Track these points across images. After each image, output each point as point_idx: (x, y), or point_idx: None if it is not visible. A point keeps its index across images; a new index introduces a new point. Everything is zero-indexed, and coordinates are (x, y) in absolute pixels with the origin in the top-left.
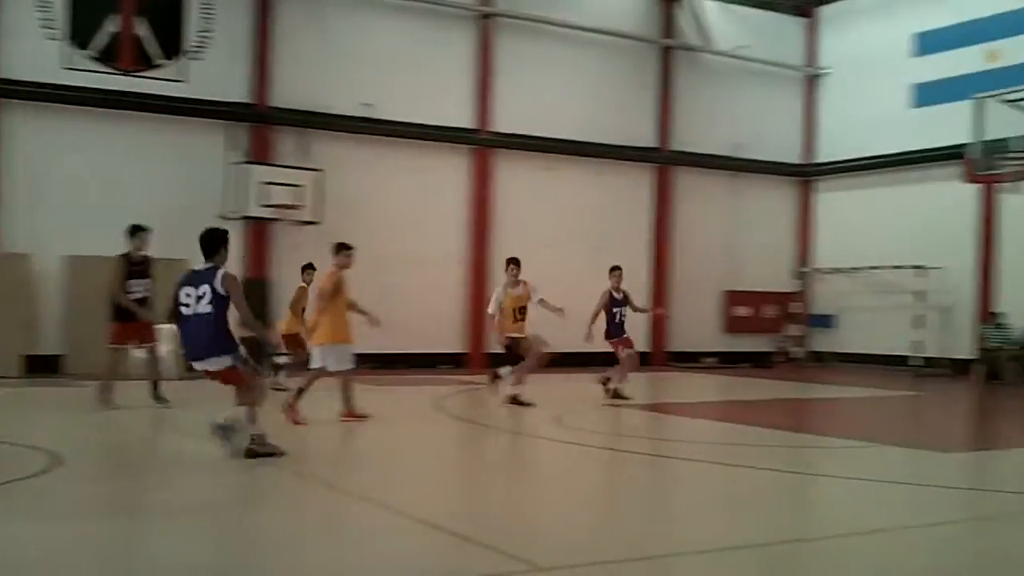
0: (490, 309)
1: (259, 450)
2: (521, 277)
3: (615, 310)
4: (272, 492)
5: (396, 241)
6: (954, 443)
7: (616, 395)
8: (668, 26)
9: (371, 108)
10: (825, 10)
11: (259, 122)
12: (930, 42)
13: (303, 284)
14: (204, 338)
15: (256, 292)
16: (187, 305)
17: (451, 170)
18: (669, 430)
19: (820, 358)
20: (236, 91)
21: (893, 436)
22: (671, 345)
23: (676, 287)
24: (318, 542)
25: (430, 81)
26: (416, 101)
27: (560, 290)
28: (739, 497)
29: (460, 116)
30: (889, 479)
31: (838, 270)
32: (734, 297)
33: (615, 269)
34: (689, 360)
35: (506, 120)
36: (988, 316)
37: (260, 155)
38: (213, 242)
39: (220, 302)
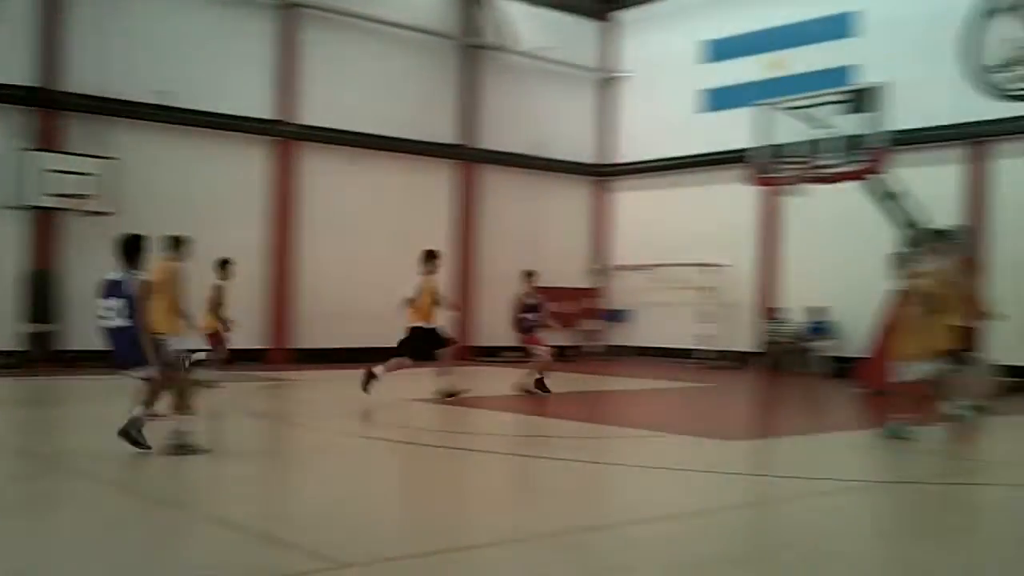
0: (411, 293)
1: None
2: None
3: (525, 314)
4: (65, 495)
5: (196, 233)
6: (738, 432)
7: (536, 388)
8: (471, 24)
9: (170, 96)
10: (622, 15)
11: (48, 107)
12: (719, 50)
13: (219, 282)
14: (125, 349)
15: (40, 285)
16: (106, 318)
17: (254, 161)
18: (470, 423)
19: (616, 351)
20: (22, 75)
21: (683, 426)
22: (474, 340)
23: (481, 282)
24: (112, 545)
25: (233, 71)
26: (218, 90)
27: (366, 284)
28: (537, 487)
29: (263, 107)
30: (679, 467)
31: (633, 267)
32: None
33: (529, 274)
34: (491, 354)
35: (310, 112)
36: (769, 312)
37: (48, 142)
38: (130, 247)
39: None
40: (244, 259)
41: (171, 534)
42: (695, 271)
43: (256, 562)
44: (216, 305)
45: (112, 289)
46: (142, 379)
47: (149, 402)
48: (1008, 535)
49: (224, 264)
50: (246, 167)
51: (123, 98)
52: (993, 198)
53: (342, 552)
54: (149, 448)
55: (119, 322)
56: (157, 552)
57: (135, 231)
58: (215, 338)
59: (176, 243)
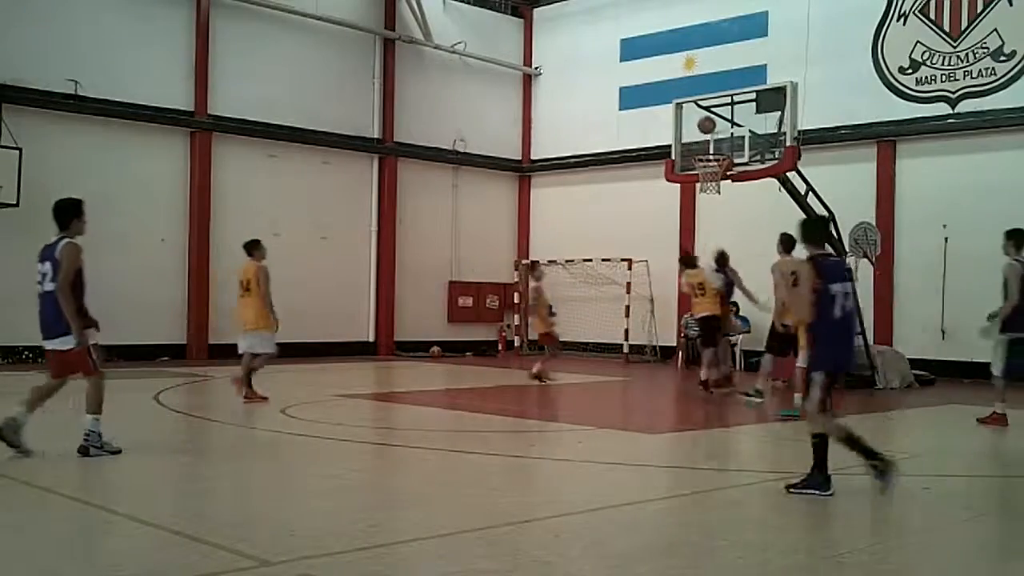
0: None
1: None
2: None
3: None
4: None
5: (107, 226)
6: (660, 425)
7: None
8: (391, 18)
9: (79, 85)
10: (539, 12)
11: None
12: (635, 48)
13: (537, 284)
14: (48, 316)
15: None
16: (39, 283)
17: (169, 153)
18: (397, 419)
19: (538, 346)
20: None
21: (606, 419)
22: (398, 335)
23: (403, 277)
24: (30, 545)
25: (146, 60)
26: (130, 80)
27: (286, 279)
28: (462, 482)
29: (178, 98)
30: (604, 460)
31: (554, 262)
32: (458, 287)
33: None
34: (415, 349)
35: (227, 104)
36: (688, 307)
37: None
38: (62, 212)
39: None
40: (159, 252)
41: (92, 534)
42: (616, 266)
43: (179, 561)
44: (538, 306)
45: (45, 253)
46: (48, 351)
47: (34, 402)
48: (925, 520)
49: (534, 265)
50: (161, 159)
51: (30, 87)
52: (900, 196)
53: (265, 551)
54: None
55: (47, 287)
56: (78, 552)
57: (70, 196)
58: (549, 337)
59: (259, 245)
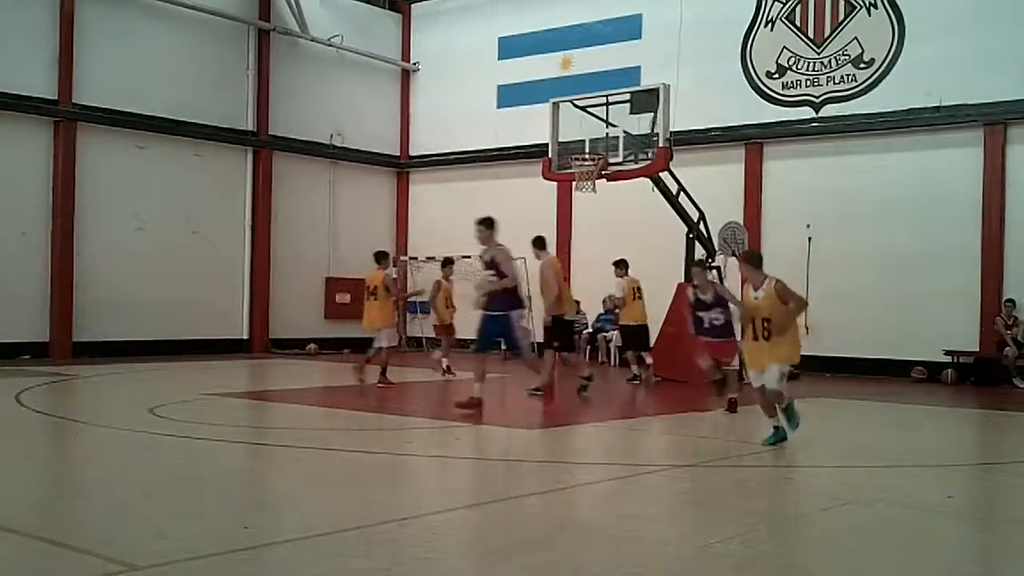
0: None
1: None
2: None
3: (700, 314)
4: None
5: None
6: (533, 421)
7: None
8: (265, 9)
9: None
10: (417, 7)
11: None
12: (512, 47)
13: (442, 280)
14: None
15: None
16: None
17: (31, 142)
18: (269, 418)
19: (419, 343)
20: None
21: (484, 416)
22: (273, 332)
23: (279, 273)
24: None
25: (5, 46)
26: None
27: (156, 274)
28: (338, 481)
29: (40, 86)
30: (481, 456)
31: (432, 259)
32: (335, 284)
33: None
34: (291, 346)
35: (94, 93)
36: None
37: None
38: None
39: None
40: (20, 246)
41: None
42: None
43: (42, 569)
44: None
45: None
46: None
47: None
48: (783, 508)
49: (446, 263)
50: (23, 148)
51: None
52: (766, 197)
53: (133, 555)
54: None
55: None
56: None
57: None
58: (447, 329)
59: (382, 255)
